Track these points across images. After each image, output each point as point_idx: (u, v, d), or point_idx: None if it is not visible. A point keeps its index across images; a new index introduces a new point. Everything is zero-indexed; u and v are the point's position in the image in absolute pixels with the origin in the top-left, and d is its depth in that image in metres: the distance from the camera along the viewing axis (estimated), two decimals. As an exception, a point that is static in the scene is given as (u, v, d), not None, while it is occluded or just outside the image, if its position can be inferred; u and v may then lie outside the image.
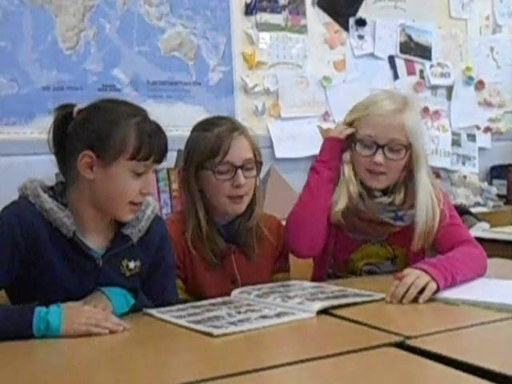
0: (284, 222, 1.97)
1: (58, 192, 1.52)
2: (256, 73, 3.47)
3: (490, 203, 3.83)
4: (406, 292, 1.53)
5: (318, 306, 1.47)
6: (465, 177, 3.94)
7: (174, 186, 2.98)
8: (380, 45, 3.82)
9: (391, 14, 3.86)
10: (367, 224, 1.87)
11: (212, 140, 1.77)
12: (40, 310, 1.35)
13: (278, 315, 1.44)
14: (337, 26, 3.71)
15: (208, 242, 1.80)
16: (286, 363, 1.13)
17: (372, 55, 3.81)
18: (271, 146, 3.47)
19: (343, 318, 1.43)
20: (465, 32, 4.12)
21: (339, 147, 1.89)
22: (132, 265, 1.57)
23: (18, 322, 1.34)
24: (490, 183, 4.06)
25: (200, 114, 3.18)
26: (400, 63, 3.89)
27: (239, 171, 1.77)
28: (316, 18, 3.65)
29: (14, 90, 2.91)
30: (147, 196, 1.56)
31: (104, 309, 1.46)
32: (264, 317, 1.43)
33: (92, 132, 1.48)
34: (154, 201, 1.64)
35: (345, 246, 1.90)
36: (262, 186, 3.13)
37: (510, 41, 4.27)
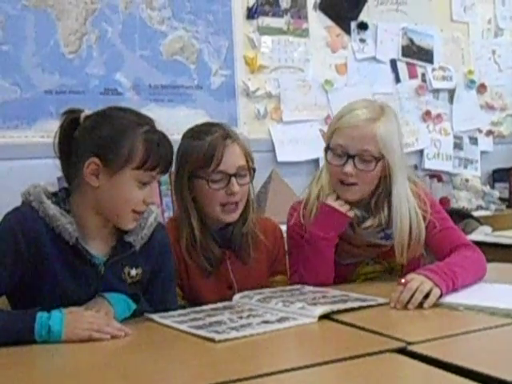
0: (284, 226, 1.98)
1: (61, 198, 1.52)
2: (258, 76, 3.48)
3: (492, 207, 3.83)
4: (411, 297, 1.52)
5: (320, 310, 1.47)
6: (467, 180, 3.93)
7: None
8: (382, 48, 3.82)
9: (393, 18, 3.87)
10: (358, 248, 1.86)
11: (204, 149, 1.75)
12: (42, 316, 1.35)
13: (280, 320, 1.44)
14: (338, 30, 3.72)
15: (202, 250, 1.79)
16: (288, 369, 1.12)
17: (374, 59, 3.81)
18: (273, 150, 3.47)
19: (345, 323, 1.42)
20: (467, 35, 4.13)
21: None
22: (134, 272, 1.57)
23: (20, 327, 1.34)
24: (492, 187, 4.06)
25: (202, 118, 3.20)
26: (402, 67, 3.90)
27: (233, 179, 1.76)
28: (318, 22, 3.66)
29: (16, 93, 2.92)
30: (151, 205, 1.56)
31: (106, 314, 1.46)
32: (266, 322, 1.43)
33: (99, 139, 1.47)
34: (156, 208, 1.64)
35: (341, 273, 1.89)
36: (264, 190, 3.14)
37: (511, 44, 4.27)
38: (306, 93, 3.61)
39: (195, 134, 1.82)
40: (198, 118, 3.20)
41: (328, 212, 1.82)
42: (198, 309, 1.60)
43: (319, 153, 3.52)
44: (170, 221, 1.89)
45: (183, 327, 1.41)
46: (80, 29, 3.05)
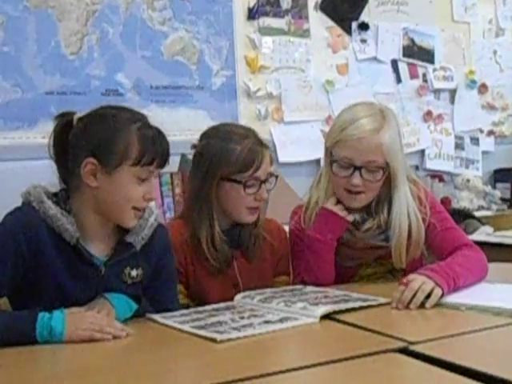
0: (286, 227, 1.98)
1: (62, 199, 1.51)
2: (259, 77, 3.48)
3: (494, 207, 3.83)
4: (413, 297, 1.52)
5: (322, 310, 1.47)
6: (468, 180, 3.93)
7: (178, 190, 2.99)
8: (383, 49, 3.82)
9: (394, 18, 3.87)
10: (359, 251, 1.86)
11: (244, 154, 1.75)
12: (43, 316, 1.35)
13: (282, 320, 1.44)
14: (339, 30, 3.72)
15: (216, 250, 1.79)
16: (290, 369, 1.12)
17: (375, 59, 3.81)
18: (274, 151, 3.47)
19: (346, 323, 1.42)
20: (468, 35, 4.12)
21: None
22: (134, 273, 1.57)
23: (21, 327, 1.33)
24: (494, 187, 4.05)
25: (203, 119, 3.21)
26: (403, 67, 3.90)
27: (263, 186, 1.79)
28: (319, 22, 3.66)
29: (17, 94, 2.92)
30: (150, 201, 1.56)
31: (108, 314, 1.46)
32: (267, 322, 1.43)
33: (94, 139, 1.48)
34: (156, 209, 1.63)
35: (343, 275, 1.89)
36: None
37: (512, 44, 4.27)
38: (307, 93, 3.61)
39: (227, 135, 1.80)
40: (199, 118, 3.21)
41: (327, 216, 1.83)
42: (199, 309, 1.60)
43: (320, 153, 3.51)
44: (175, 218, 1.88)
45: (185, 327, 1.41)
46: (81, 30, 3.05)
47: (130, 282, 1.56)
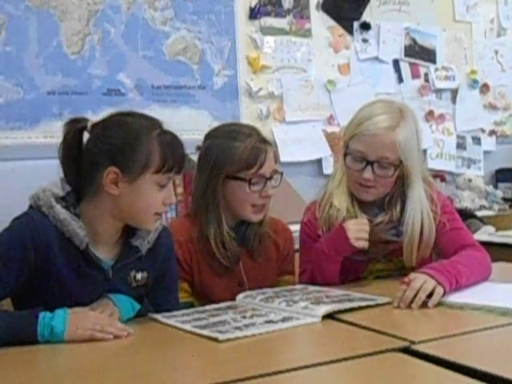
0: (289, 226, 1.98)
1: (71, 202, 1.50)
2: (260, 77, 3.48)
3: (496, 207, 3.82)
4: (415, 296, 1.52)
5: (323, 310, 1.47)
6: (470, 180, 3.93)
7: (179, 190, 2.98)
8: (384, 48, 3.82)
9: (396, 18, 3.87)
10: (371, 244, 1.86)
11: (247, 151, 1.77)
12: (44, 316, 1.35)
13: (284, 320, 1.44)
14: (341, 30, 3.71)
15: (223, 247, 1.80)
16: (292, 368, 1.12)
17: (376, 59, 3.81)
18: (276, 150, 3.47)
19: (348, 322, 1.42)
20: (469, 35, 4.12)
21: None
22: (139, 276, 1.57)
23: (22, 327, 1.33)
24: (496, 186, 4.05)
25: (205, 118, 3.21)
26: (404, 67, 3.89)
27: (268, 183, 1.81)
28: (320, 22, 3.66)
29: (19, 94, 2.92)
30: (170, 205, 1.56)
31: (111, 315, 1.46)
32: (269, 321, 1.43)
33: (115, 148, 1.47)
34: None
35: (352, 269, 1.90)
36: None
37: (514, 44, 4.27)
38: (308, 93, 3.61)
39: (231, 134, 1.82)
40: (201, 118, 3.21)
41: (339, 234, 1.80)
42: (201, 309, 1.61)
43: (322, 153, 3.53)
44: (181, 217, 1.89)
45: (187, 327, 1.41)
46: (83, 29, 3.05)
47: (135, 285, 1.57)
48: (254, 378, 1.08)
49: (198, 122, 3.17)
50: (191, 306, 1.69)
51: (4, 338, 1.32)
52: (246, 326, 1.39)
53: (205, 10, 3.33)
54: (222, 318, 1.46)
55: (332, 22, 3.69)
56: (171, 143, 1.50)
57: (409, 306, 1.52)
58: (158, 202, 1.50)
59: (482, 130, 4.14)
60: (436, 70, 3.99)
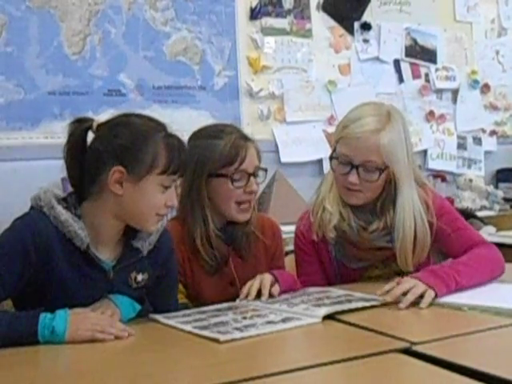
0: (288, 226, 1.98)
1: (72, 203, 1.51)
2: (261, 77, 3.48)
3: (496, 207, 3.82)
4: (404, 296, 1.53)
5: (324, 311, 1.47)
6: (471, 180, 3.93)
7: (178, 191, 2.98)
8: (385, 49, 3.82)
9: (396, 18, 3.87)
10: (366, 252, 1.86)
11: (227, 147, 1.79)
12: (45, 316, 1.35)
13: (284, 320, 1.44)
14: (342, 30, 3.71)
15: (211, 248, 1.81)
16: (293, 369, 1.12)
17: (377, 59, 3.81)
18: (276, 151, 3.47)
19: (349, 323, 1.42)
20: (470, 35, 4.12)
21: None
22: (140, 277, 1.57)
23: (23, 328, 1.33)
24: (496, 187, 4.05)
25: (205, 119, 3.21)
26: (405, 67, 3.89)
27: (252, 178, 1.81)
28: (321, 22, 3.66)
29: (20, 95, 2.92)
30: (172, 207, 1.57)
31: (112, 315, 1.46)
32: (270, 322, 1.43)
33: (121, 147, 1.47)
34: None
35: (349, 276, 1.89)
36: (268, 191, 3.14)
37: (515, 44, 4.27)
38: (309, 93, 3.61)
39: (211, 133, 1.84)
40: (202, 118, 3.21)
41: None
42: (201, 309, 1.61)
43: (323, 153, 3.52)
44: (172, 220, 1.90)
45: (187, 328, 1.41)
46: (83, 30, 3.06)
47: (136, 286, 1.57)
48: (255, 378, 1.08)
49: (199, 122, 3.13)
50: (186, 307, 1.69)
51: (5, 339, 1.32)
52: (247, 326, 1.39)
53: (205, 11, 3.33)
54: (223, 319, 1.46)
55: (332, 23, 3.69)
56: (177, 146, 1.51)
57: (396, 305, 1.51)
58: (160, 204, 1.51)
59: (483, 131, 4.14)
60: (437, 70, 3.99)
